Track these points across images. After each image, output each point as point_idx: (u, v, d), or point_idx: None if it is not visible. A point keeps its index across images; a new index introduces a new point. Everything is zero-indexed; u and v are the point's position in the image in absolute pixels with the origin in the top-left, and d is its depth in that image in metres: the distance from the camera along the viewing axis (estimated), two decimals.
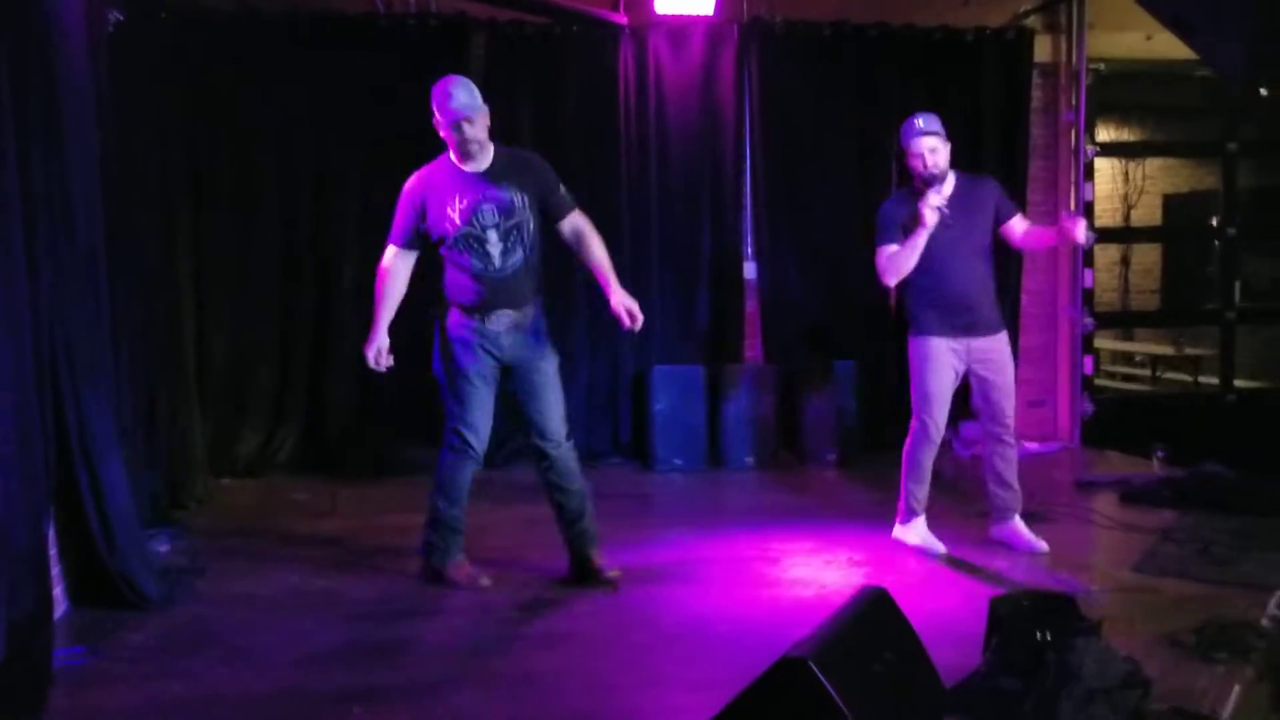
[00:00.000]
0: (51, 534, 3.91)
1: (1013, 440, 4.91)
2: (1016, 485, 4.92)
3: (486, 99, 6.96)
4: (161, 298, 5.71)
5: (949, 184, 4.81)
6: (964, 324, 4.80)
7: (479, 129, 4.26)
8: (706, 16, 7.11)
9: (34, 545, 3.45)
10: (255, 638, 3.93)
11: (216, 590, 4.46)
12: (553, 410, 4.42)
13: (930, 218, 4.66)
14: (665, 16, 7.07)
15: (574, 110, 7.11)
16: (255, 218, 6.74)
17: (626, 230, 7.19)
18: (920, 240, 4.70)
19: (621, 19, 7.09)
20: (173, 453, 5.71)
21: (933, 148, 4.74)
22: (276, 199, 6.78)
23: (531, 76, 7.04)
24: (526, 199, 4.31)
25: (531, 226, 4.35)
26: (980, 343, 4.82)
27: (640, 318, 4.41)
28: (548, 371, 4.44)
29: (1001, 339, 4.90)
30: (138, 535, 4.40)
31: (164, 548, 4.94)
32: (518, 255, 4.32)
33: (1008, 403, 4.85)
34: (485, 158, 4.32)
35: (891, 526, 5.07)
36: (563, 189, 4.43)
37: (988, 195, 4.88)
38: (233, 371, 6.72)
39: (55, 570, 3.94)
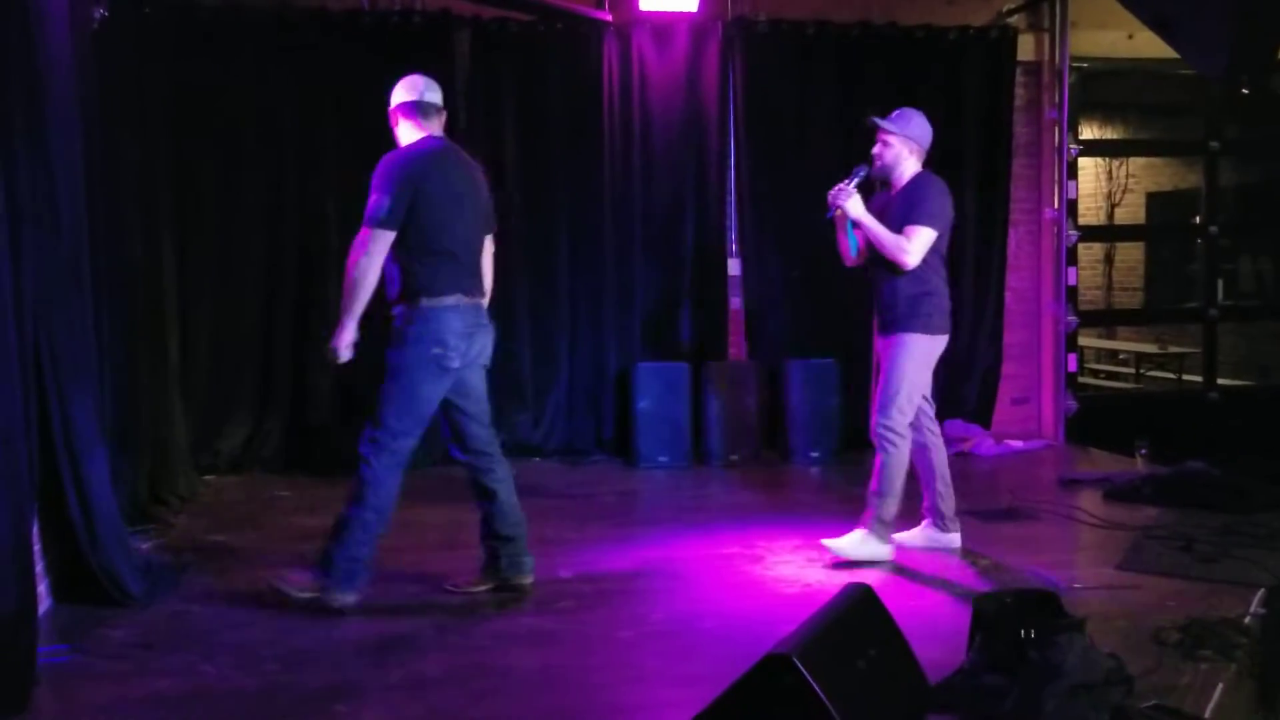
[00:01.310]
0: (35, 531, 3.88)
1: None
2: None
3: (470, 96, 7.02)
4: (145, 294, 5.68)
5: (901, 182, 4.80)
6: (879, 323, 4.83)
7: None
8: (690, 14, 7.11)
9: (18, 542, 3.42)
10: (239, 634, 3.92)
11: (200, 587, 4.45)
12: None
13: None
14: (649, 14, 7.08)
15: (558, 107, 7.11)
16: (238, 213, 6.73)
17: (610, 226, 7.20)
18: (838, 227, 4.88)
19: (606, 16, 7.09)
20: (156, 449, 5.68)
21: (878, 146, 4.81)
22: (260, 194, 6.76)
23: (515, 73, 7.04)
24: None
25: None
26: (880, 342, 4.82)
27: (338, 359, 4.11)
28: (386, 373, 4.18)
29: (891, 339, 4.77)
30: (121, 532, 4.38)
31: (147, 545, 4.93)
32: None
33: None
34: None
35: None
36: (371, 196, 4.09)
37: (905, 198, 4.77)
38: (216, 368, 6.70)
39: (39, 567, 3.91)
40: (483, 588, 4.36)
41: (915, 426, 4.81)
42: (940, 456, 4.92)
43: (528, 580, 4.39)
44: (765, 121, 7.32)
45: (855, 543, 4.74)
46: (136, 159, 5.63)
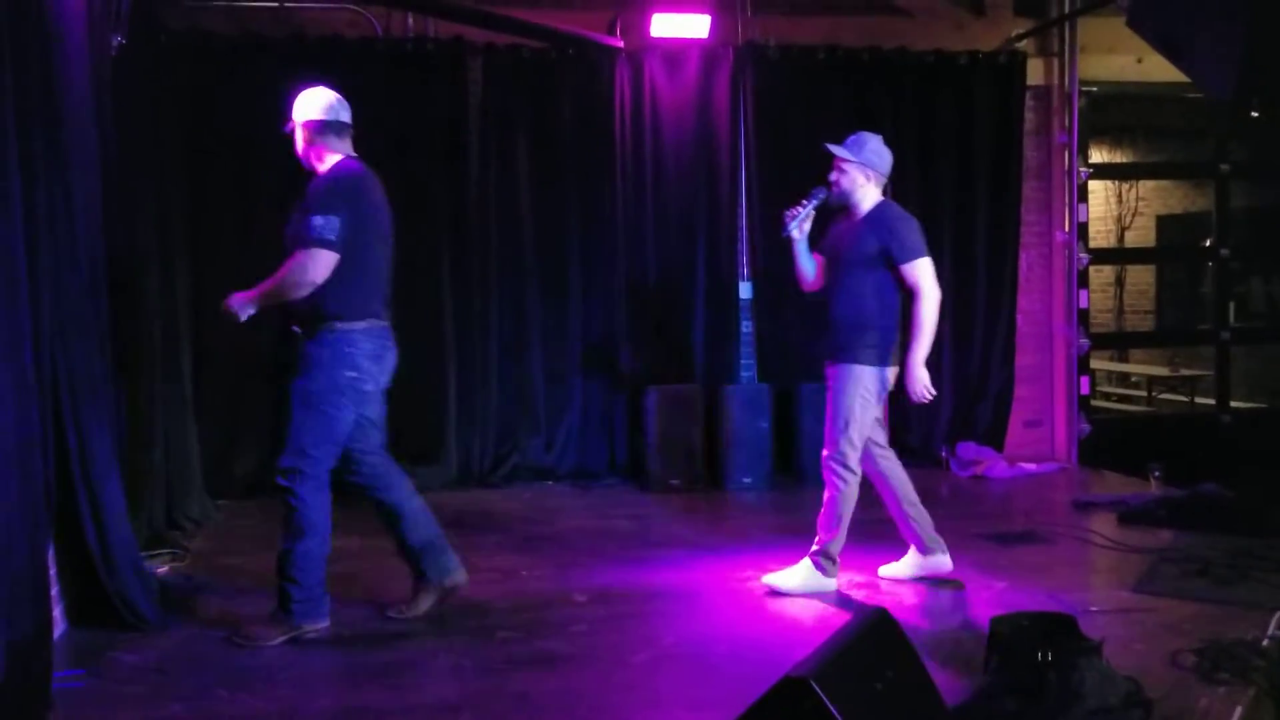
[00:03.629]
0: (50, 555, 3.90)
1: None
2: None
3: (483, 122, 7.06)
4: (160, 319, 5.71)
5: (860, 210, 4.74)
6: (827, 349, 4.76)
7: (296, 141, 4.32)
8: (701, 40, 7.16)
9: (34, 567, 3.44)
10: (253, 658, 3.92)
11: (214, 611, 4.45)
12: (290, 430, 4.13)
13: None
14: (661, 40, 7.12)
15: (570, 133, 7.16)
16: (253, 239, 6.74)
17: (622, 251, 7.24)
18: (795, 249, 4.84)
19: (617, 43, 7.15)
20: (171, 474, 5.71)
21: (834, 173, 4.78)
22: (275, 220, 6.74)
23: (528, 100, 7.10)
24: None
25: None
26: (827, 372, 4.75)
27: None
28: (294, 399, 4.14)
29: (837, 369, 4.69)
30: (136, 557, 4.39)
31: (162, 569, 4.94)
32: None
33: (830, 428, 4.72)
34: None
35: (890, 547, 5.04)
36: (313, 217, 4.08)
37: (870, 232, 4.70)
38: (230, 392, 6.72)
39: (54, 591, 3.93)
40: (425, 605, 4.32)
41: (867, 457, 4.73)
42: (899, 480, 4.81)
43: (461, 579, 4.35)
44: (776, 146, 7.35)
45: (799, 574, 4.68)
46: (153, 185, 5.68)
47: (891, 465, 4.83)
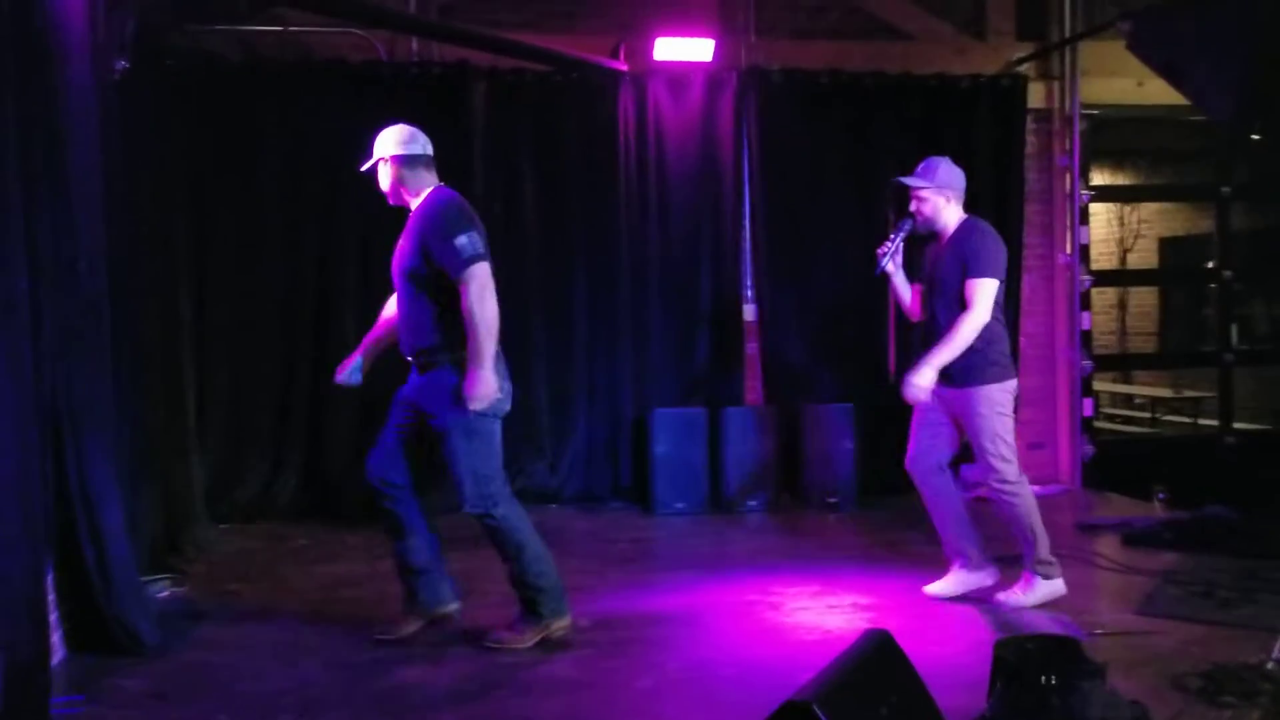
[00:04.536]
0: (50, 580, 3.89)
1: None
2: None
3: (487, 146, 7.10)
4: (162, 342, 5.72)
5: (948, 231, 4.81)
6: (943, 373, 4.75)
7: (381, 177, 4.33)
8: (705, 64, 7.19)
9: (33, 592, 3.43)
10: (254, 685, 3.90)
11: (214, 637, 4.44)
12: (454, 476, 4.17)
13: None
14: (664, 64, 7.15)
15: (574, 156, 7.18)
16: (257, 263, 6.79)
17: (627, 273, 7.25)
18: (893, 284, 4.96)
19: (621, 66, 7.18)
20: (172, 498, 5.70)
21: (914, 203, 4.83)
22: (279, 244, 6.83)
23: (532, 123, 7.12)
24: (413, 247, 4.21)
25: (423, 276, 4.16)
26: (946, 393, 4.75)
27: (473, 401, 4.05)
28: (444, 438, 4.16)
29: (963, 393, 4.71)
30: (136, 582, 4.38)
31: (162, 594, 4.93)
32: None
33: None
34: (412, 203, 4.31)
35: (895, 570, 5.02)
36: (455, 240, 4.07)
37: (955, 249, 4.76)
38: (232, 416, 6.73)
39: (53, 616, 3.91)
40: (411, 628, 4.33)
41: (930, 469, 4.80)
42: (956, 498, 4.88)
43: (452, 608, 4.39)
44: (779, 169, 7.37)
45: (1032, 594, 4.73)
46: (156, 208, 5.70)
47: (949, 482, 4.88)
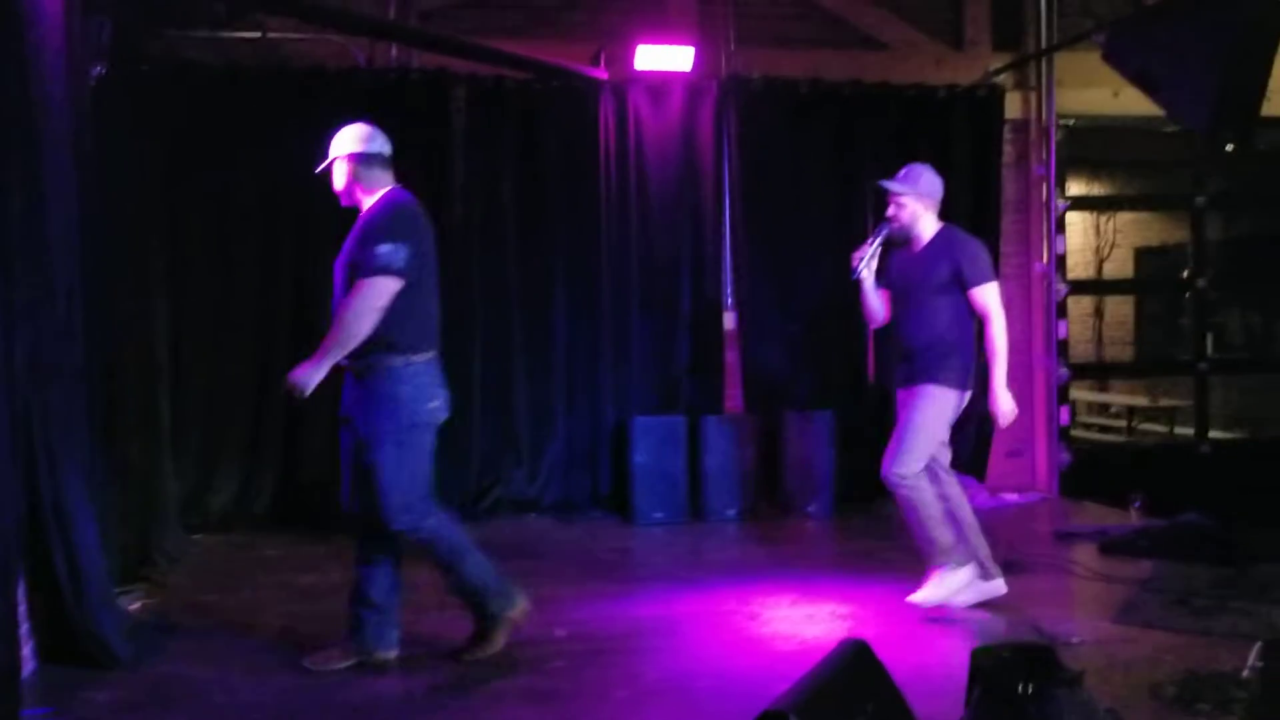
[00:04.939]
0: (21, 592, 3.84)
1: None
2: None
3: (467, 153, 7.07)
4: (136, 352, 5.67)
5: (923, 238, 4.85)
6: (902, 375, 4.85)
7: (336, 176, 4.23)
8: (685, 73, 7.20)
9: (4, 604, 3.39)
10: (227, 697, 3.86)
11: (187, 649, 4.39)
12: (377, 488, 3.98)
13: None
14: (645, 73, 7.16)
15: (554, 164, 7.17)
16: (232, 271, 6.76)
17: (607, 281, 7.25)
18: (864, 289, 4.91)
19: (602, 74, 7.18)
20: (145, 508, 5.64)
21: (892, 208, 4.86)
22: (255, 253, 6.79)
23: (512, 131, 7.11)
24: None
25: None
26: (902, 393, 4.83)
27: None
28: (371, 447, 4.00)
29: (916, 389, 4.76)
30: (108, 593, 4.33)
31: (135, 605, 4.88)
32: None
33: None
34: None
35: (872, 578, 5.03)
36: (379, 245, 3.93)
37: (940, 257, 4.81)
38: (206, 426, 6.69)
39: (24, 628, 3.87)
40: (343, 664, 4.10)
41: (932, 478, 4.78)
42: (960, 504, 4.85)
43: (390, 655, 4.15)
44: (760, 177, 7.39)
45: (940, 585, 4.75)
46: (131, 216, 5.65)
47: (954, 490, 4.88)
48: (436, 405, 4.07)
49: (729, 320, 7.45)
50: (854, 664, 3.05)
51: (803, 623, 4.71)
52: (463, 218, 7.02)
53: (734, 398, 7.43)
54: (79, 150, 4.44)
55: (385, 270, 3.90)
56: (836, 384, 7.37)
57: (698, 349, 7.40)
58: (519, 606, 4.18)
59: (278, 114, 6.73)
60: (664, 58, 7.10)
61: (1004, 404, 4.71)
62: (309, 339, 6.55)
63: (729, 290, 7.48)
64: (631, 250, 7.29)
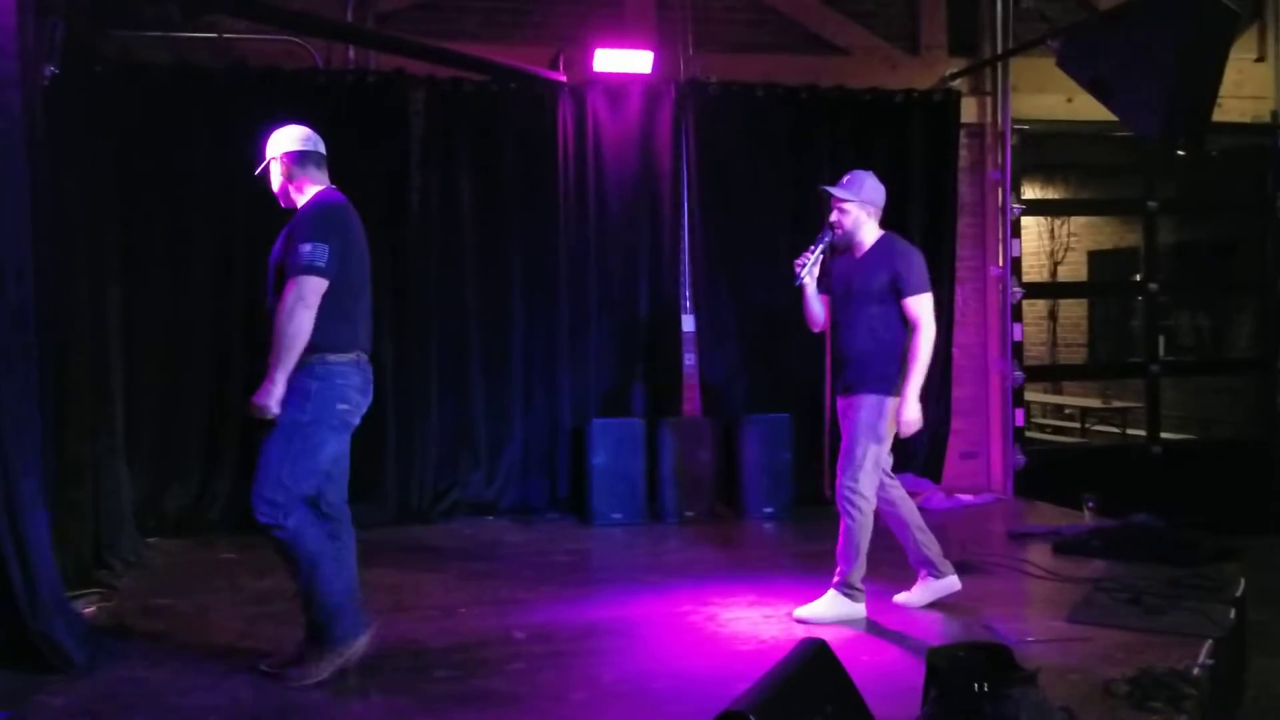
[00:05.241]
0: None
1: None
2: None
3: (425, 155, 7.04)
4: (90, 353, 5.60)
5: (864, 245, 4.86)
6: (843, 384, 4.85)
7: (273, 178, 4.23)
8: (644, 76, 7.21)
9: None
10: (182, 700, 3.83)
11: (142, 653, 4.34)
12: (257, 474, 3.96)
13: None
14: (603, 75, 7.16)
15: (513, 167, 7.16)
16: (187, 272, 6.69)
17: (565, 284, 7.24)
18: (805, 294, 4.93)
19: (560, 77, 7.17)
20: (100, 511, 5.57)
21: (835, 214, 4.87)
22: (209, 253, 6.73)
23: (470, 133, 7.09)
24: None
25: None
26: (842, 402, 4.86)
27: None
28: (273, 431, 3.96)
29: (857, 399, 4.77)
30: (61, 597, 4.27)
31: (89, 609, 4.82)
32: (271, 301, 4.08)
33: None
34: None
35: (829, 579, 5.05)
36: (304, 244, 3.93)
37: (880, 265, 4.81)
38: (162, 428, 6.62)
39: None
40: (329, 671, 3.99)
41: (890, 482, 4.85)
42: (908, 508, 4.91)
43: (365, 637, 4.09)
44: (717, 180, 7.42)
45: (827, 605, 4.74)
46: (84, 216, 5.58)
47: (899, 493, 4.92)
48: (346, 408, 4.03)
49: (687, 323, 7.48)
50: (813, 664, 3.08)
51: (760, 623, 4.74)
52: (420, 219, 6.99)
53: (692, 400, 7.45)
54: (30, 151, 4.37)
55: (309, 270, 3.90)
56: (794, 386, 7.41)
57: (656, 352, 7.41)
58: (363, 639, 4.01)
59: (233, 114, 6.66)
60: (622, 61, 7.11)
61: (911, 413, 4.67)
62: (262, 340, 6.60)
63: (687, 293, 7.51)
64: (590, 252, 7.29)
